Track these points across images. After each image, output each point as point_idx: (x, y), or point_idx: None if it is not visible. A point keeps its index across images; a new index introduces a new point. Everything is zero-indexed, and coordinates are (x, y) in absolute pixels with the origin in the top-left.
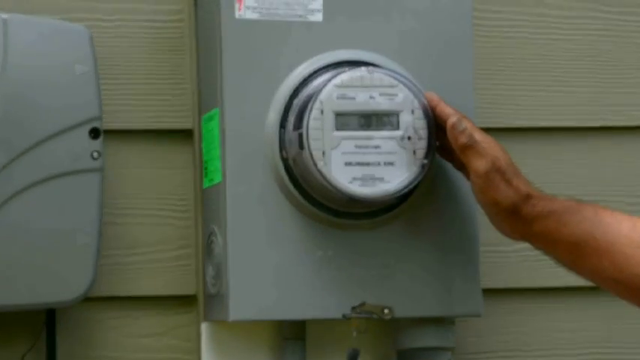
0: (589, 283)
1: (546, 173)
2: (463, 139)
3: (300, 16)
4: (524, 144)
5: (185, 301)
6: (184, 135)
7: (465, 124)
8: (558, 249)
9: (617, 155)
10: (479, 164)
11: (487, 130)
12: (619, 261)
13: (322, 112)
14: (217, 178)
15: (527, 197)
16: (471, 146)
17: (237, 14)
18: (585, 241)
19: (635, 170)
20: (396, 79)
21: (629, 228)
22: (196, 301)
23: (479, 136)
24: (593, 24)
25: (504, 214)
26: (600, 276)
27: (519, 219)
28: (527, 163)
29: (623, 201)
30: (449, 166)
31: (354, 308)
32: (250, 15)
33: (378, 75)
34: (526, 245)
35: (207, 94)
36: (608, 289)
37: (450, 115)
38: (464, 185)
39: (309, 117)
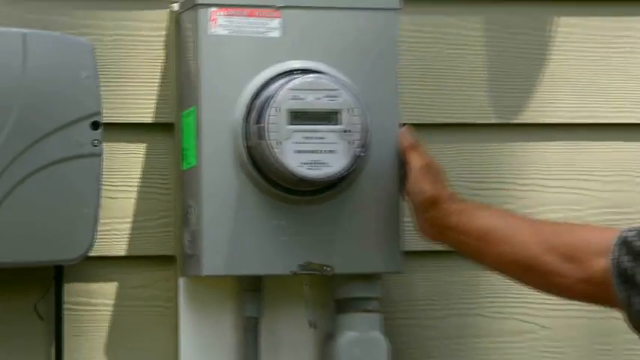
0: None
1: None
2: (410, 140)
3: (262, 32)
4: (448, 137)
5: (166, 260)
6: (167, 127)
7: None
8: (469, 238)
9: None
10: (418, 160)
11: (415, 126)
12: (517, 245)
13: (279, 110)
14: (193, 162)
15: (449, 197)
16: (415, 147)
17: (210, 31)
18: (492, 230)
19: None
20: (337, 84)
21: (527, 222)
22: (175, 260)
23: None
24: (492, 42)
25: (427, 202)
26: (502, 260)
27: (440, 210)
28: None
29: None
30: (381, 153)
31: (300, 266)
32: (221, 32)
33: (323, 81)
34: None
35: (185, 94)
36: (508, 272)
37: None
38: (391, 171)
39: (267, 114)
